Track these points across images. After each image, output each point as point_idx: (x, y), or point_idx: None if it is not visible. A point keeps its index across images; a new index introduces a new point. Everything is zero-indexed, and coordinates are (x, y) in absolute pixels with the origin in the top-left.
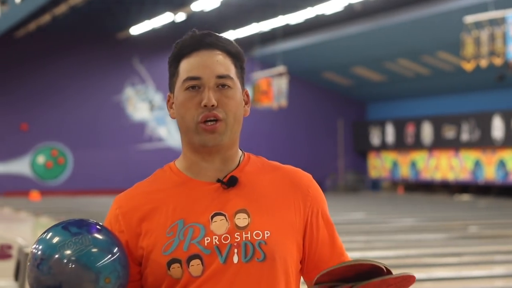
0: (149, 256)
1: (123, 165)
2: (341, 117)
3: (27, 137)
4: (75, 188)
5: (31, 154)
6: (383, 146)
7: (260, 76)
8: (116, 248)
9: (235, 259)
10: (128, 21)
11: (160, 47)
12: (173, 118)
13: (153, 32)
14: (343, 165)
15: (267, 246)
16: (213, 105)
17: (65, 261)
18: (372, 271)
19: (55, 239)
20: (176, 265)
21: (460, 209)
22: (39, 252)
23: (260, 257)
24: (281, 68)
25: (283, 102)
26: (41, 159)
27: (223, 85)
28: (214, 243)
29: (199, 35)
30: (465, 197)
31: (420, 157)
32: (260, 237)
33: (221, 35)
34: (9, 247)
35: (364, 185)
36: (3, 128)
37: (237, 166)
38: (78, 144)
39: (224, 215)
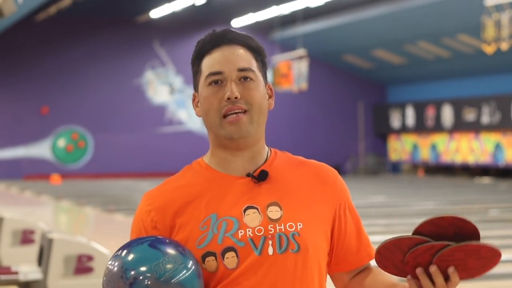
0: None
1: (144, 148)
2: (361, 100)
3: (48, 120)
4: (95, 171)
5: (51, 137)
6: (404, 129)
7: (280, 59)
8: (196, 262)
9: (270, 250)
10: (148, 4)
11: (181, 30)
12: (199, 116)
13: (173, 15)
14: (364, 148)
15: (301, 237)
16: (236, 97)
17: (162, 280)
18: (472, 236)
19: (148, 259)
20: (211, 258)
21: (480, 192)
22: (132, 272)
23: (294, 248)
24: (301, 51)
25: (303, 85)
26: (61, 143)
27: (245, 78)
28: (248, 235)
29: (219, 32)
30: (486, 180)
31: (440, 140)
32: (293, 229)
33: (240, 32)
34: (32, 232)
35: (384, 168)
36: (24, 112)
37: (265, 161)
38: (99, 127)
39: (257, 208)
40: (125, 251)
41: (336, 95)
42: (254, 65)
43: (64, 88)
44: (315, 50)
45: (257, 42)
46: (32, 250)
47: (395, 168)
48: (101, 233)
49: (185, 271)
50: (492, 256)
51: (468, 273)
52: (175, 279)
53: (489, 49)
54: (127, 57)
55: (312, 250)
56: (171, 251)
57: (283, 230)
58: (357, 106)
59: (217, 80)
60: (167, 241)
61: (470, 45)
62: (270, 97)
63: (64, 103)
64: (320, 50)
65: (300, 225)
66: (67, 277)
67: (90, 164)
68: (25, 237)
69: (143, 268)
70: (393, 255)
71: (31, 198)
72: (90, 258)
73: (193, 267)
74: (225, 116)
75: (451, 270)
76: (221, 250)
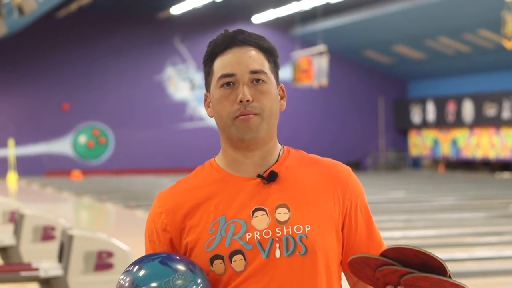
0: (192, 252)
1: (164, 144)
2: (381, 95)
3: (69, 117)
4: (116, 167)
5: (72, 134)
6: (424, 124)
7: (300, 55)
8: (205, 279)
9: (277, 253)
10: (169, 0)
11: (201, 27)
12: (211, 116)
13: (194, 12)
14: (384, 143)
15: (308, 240)
16: (248, 100)
17: None
18: (437, 269)
19: (158, 276)
20: (219, 261)
21: (501, 187)
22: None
23: (301, 251)
24: (321, 47)
25: (324, 80)
26: (82, 139)
27: (258, 80)
28: (255, 238)
29: (231, 33)
30: (506, 175)
31: (461, 135)
32: (301, 231)
33: (253, 32)
34: (53, 228)
35: (405, 163)
36: (45, 108)
37: (276, 161)
38: (119, 123)
39: (265, 210)
40: (136, 267)
41: (357, 91)
42: (266, 66)
43: (85, 85)
44: (336, 45)
45: (270, 43)
46: (53, 247)
47: (416, 163)
48: (122, 229)
49: (193, 286)
50: None
51: None
52: None
53: (510, 44)
54: (147, 54)
55: (320, 252)
56: (181, 268)
57: (290, 232)
58: (377, 101)
59: (229, 82)
60: (178, 258)
61: (490, 40)
62: (282, 98)
63: (85, 99)
64: (341, 45)
65: (308, 227)
66: (87, 274)
67: (111, 160)
68: (46, 234)
69: (153, 285)
70: (364, 269)
71: (52, 194)
72: (110, 254)
73: (202, 284)
74: (237, 118)
75: None
76: (228, 253)
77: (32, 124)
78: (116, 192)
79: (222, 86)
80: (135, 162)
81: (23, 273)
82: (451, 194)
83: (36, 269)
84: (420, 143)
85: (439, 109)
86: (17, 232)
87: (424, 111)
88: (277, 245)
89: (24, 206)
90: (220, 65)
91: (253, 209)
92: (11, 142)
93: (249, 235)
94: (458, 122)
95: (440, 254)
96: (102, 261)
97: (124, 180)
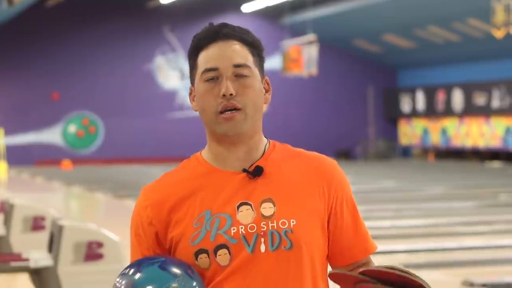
0: (177, 246)
1: (154, 133)
2: (371, 84)
3: (58, 106)
4: (106, 157)
5: (62, 123)
6: (414, 113)
7: (290, 44)
8: (202, 283)
9: (262, 248)
10: None
11: (191, 16)
12: (195, 111)
13: (183, 1)
14: (374, 133)
15: (293, 235)
16: (231, 94)
17: None
18: (414, 287)
19: (156, 280)
20: (204, 255)
21: (491, 176)
22: None
23: (286, 245)
24: (311, 36)
25: (313, 70)
26: (72, 128)
27: (241, 75)
28: (240, 232)
29: (215, 26)
30: (496, 164)
31: (450, 124)
32: (286, 226)
33: (237, 25)
34: (43, 218)
35: (394, 152)
36: (35, 97)
37: (262, 155)
38: (109, 113)
39: (250, 205)
40: (134, 271)
41: (346, 80)
42: (250, 60)
43: (75, 74)
44: (325, 34)
45: (254, 36)
46: (43, 237)
47: (406, 152)
48: (112, 219)
49: None
50: None
51: None
52: None
53: (499, 34)
54: (137, 43)
55: (305, 247)
56: (180, 272)
57: (275, 227)
58: (367, 90)
59: (213, 76)
60: (176, 262)
61: (480, 29)
62: (267, 91)
63: (74, 88)
64: (330, 34)
65: (293, 222)
66: (77, 264)
67: (101, 150)
68: (36, 224)
69: None
70: (343, 283)
71: (42, 184)
72: (100, 244)
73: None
74: (221, 112)
75: None
76: (213, 247)
77: (21, 113)
78: (106, 182)
79: (205, 80)
80: (125, 152)
81: (13, 264)
82: (441, 183)
83: (26, 260)
84: (410, 132)
85: (428, 98)
86: (7, 222)
87: (413, 100)
88: (262, 239)
89: (14, 196)
90: (204, 59)
91: (238, 204)
92: (0, 131)
93: (234, 229)
94: (448, 111)
95: (430, 244)
96: (92, 252)
97: (114, 170)
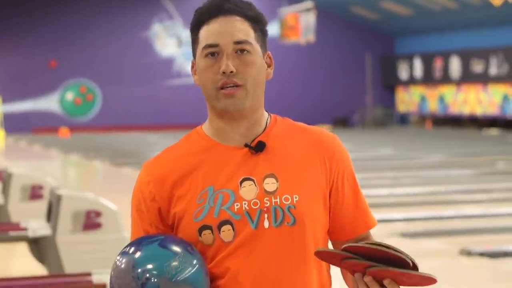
0: (180, 222)
1: (152, 101)
2: (369, 52)
3: (56, 74)
4: (104, 124)
5: (59, 91)
6: (411, 81)
7: (287, 11)
8: (202, 260)
9: (266, 224)
10: None
11: None
12: (197, 85)
13: None
14: (371, 100)
15: (296, 210)
16: (231, 72)
17: (173, 280)
18: (399, 261)
19: (157, 258)
20: (207, 231)
21: (488, 143)
22: (143, 272)
23: (290, 221)
24: (308, 3)
25: (311, 37)
26: (69, 96)
27: (242, 51)
28: (244, 208)
29: (218, 1)
30: (493, 131)
31: (448, 91)
32: (289, 202)
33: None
34: (41, 187)
35: (392, 119)
36: (32, 65)
37: (264, 130)
38: (107, 80)
39: (253, 180)
40: (134, 249)
41: (344, 47)
42: (251, 36)
43: (72, 42)
44: (323, 1)
45: (257, 10)
46: (41, 206)
47: (403, 120)
48: (110, 187)
49: (193, 269)
50: (422, 279)
51: (406, 283)
52: (184, 278)
53: (497, 1)
54: (134, 10)
55: (308, 222)
56: (180, 250)
57: (278, 203)
58: (364, 57)
59: (214, 52)
60: (176, 240)
61: None
62: (269, 66)
63: (72, 56)
64: (328, 1)
65: (296, 197)
66: (75, 233)
67: (98, 117)
68: (34, 193)
69: (154, 268)
70: (330, 260)
71: (40, 151)
72: (98, 214)
73: (200, 265)
74: (221, 88)
75: (387, 281)
76: (217, 224)
77: (19, 81)
78: (103, 149)
79: (206, 56)
80: (123, 119)
81: (12, 233)
82: (439, 151)
83: (25, 229)
84: (407, 99)
85: (426, 65)
86: (5, 191)
87: (411, 67)
88: (266, 215)
89: (12, 164)
90: (205, 34)
91: (241, 179)
92: None
93: (237, 205)
94: (445, 79)
95: (428, 212)
96: (90, 221)
97: (111, 137)
